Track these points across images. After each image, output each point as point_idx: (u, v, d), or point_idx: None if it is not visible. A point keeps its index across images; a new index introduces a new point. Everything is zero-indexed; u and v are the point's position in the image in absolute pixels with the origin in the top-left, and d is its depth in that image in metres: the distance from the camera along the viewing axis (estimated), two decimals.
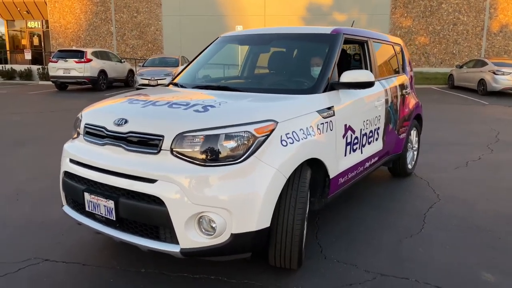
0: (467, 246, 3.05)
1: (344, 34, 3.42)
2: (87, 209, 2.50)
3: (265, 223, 2.29)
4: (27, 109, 10.83)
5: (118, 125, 2.44)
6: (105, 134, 2.50)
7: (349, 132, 3.15)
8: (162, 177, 2.21)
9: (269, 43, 3.75)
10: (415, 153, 4.93)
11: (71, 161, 2.64)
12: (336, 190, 3.09)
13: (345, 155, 3.14)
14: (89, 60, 15.79)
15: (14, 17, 25.21)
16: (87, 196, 2.48)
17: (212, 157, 2.24)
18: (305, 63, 3.47)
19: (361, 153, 3.42)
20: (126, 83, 18.09)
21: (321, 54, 3.25)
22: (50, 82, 16.99)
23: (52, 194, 3.95)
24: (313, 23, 22.04)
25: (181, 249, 2.22)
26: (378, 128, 3.71)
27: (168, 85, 3.64)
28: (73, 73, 15.63)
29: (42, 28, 25.15)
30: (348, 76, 3.03)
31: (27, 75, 20.99)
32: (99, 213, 2.44)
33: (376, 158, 3.79)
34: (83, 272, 2.63)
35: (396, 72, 4.44)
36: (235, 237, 2.21)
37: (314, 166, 2.78)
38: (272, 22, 22.12)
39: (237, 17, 22.15)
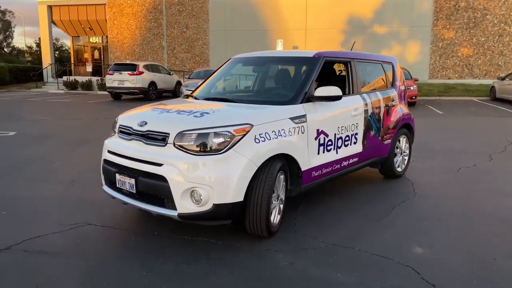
0: (415, 230, 3.73)
1: (325, 57, 4.24)
2: (117, 186, 3.51)
3: (239, 197, 3.16)
4: (86, 115, 12.40)
5: (140, 125, 3.43)
6: (131, 132, 3.50)
7: (322, 135, 3.95)
8: (166, 162, 3.16)
9: (264, 64, 4.66)
10: (406, 158, 5.57)
11: (109, 151, 3.66)
12: (310, 181, 3.90)
13: (318, 154, 3.94)
14: (141, 73, 17.43)
15: (78, 34, 27.91)
16: (117, 176, 3.48)
17: (202, 149, 3.16)
18: (290, 80, 4.33)
19: (336, 153, 4.19)
20: (174, 94, 19.60)
21: (302, 73, 4.10)
22: (107, 92, 18.83)
23: (99, 182, 5.03)
24: (353, 36, 22.57)
25: (179, 213, 3.15)
26: (356, 133, 4.46)
27: (187, 97, 4.63)
28: (127, 84, 17.32)
29: (102, 43, 27.61)
30: (321, 91, 3.86)
31: (87, 86, 23.23)
32: (125, 188, 3.43)
33: (355, 159, 4.53)
34: (114, 233, 3.63)
35: (383, 86, 5.15)
36: (216, 206, 3.10)
37: (290, 160, 3.63)
38: (312, 36, 22.93)
39: (279, 31, 23.18)
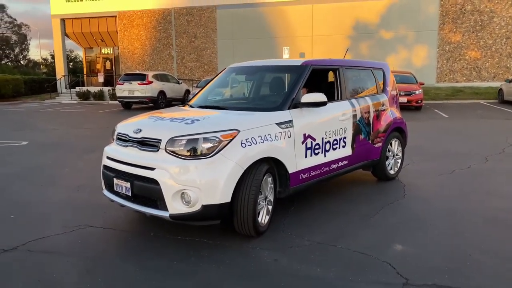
0: (399, 229, 3.89)
1: (312, 65, 4.45)
2: (115, 189, 3.75)
3: (226, 198, 3.37)
4: (96, 124, 12.79)
5: (136, 133, 3.68)
6: (128, 139, 3.75)
7: (309, 140, 4.15)
8: (158, 166, 3.39)
9: (256, 73, 4.89)
10: (398, 161, 5.72)
11: (107, 157, 3.92)
12: (298, 184, 4.09)
13: (306, 157, 4.14)
14: (150, 82, 17.84)
15: (90, 45, 28.61)
16: (115, 180, 3.73)
17: (191, 154, 3.38)
18: (278, 87, 4.55)
19: (325, 156, 4.38)
20: (183, 102, 19.97)
21: (290, 81, 4.32)
22: (118, 102, 19.29)
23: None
24: (360, 41, 22.73)
25: (170, 214, 3.37)
26: (345, 137, 4.65)
27: (185, 105, 4.88)
28: (136, 94, 17.74)
29: (114, 54, 28.24)
30: (307, 97, 4.07)
31: (99, 96, 23.80)
32: (122, 192, 3.67)
33: (345, 162, 4.71)
34: (113, 234, 3.87)
35: (373, 92, 5.33)
36: (204, 207, 3.32)
37: (278, 163, 3.84)
38: (319, 42, 23.14)
39: (286, 38, 23.46)
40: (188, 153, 3.38)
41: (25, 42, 59.77)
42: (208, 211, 3.35)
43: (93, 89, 24.45)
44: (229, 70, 5.11)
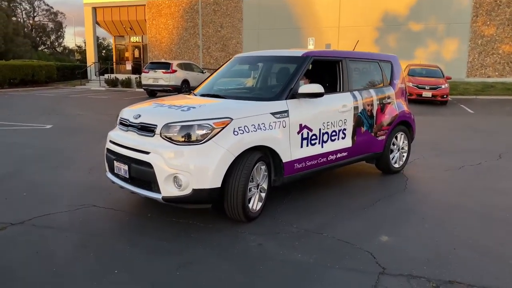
0: (390, 221, 3.92)
1: (313, 56, 4.49)
2: (115, 171, 3.95)
3: (217, 184, 3.50)
4: (119, 111, 13.16)
5: (135, 118, 3.85)
6: (128, 124, 3.93)
7: (305, 130, 4.21)
8: (153, 150, 3.55)
9: (258, 63, 4.96)
10: (404, 155, 5.69)
11: (110, 141, 4.11)
12: (293, 173, 4.17)
13: (301, 147, 4.20)
14: (174, 71, 18.16)
15: (120, 33, 29.27)
16: (115, 163, 3.92)
17: (185, 139, 3.52)
18: (278, 77, 4.61)
19: (322, 147, 4.43)
20: None
21: (290, 71, 4.37)
22: (143, 90, 19.74)
23: None
24: (387, 33, 22.27)
25: (163, 196, 3.53)
26: (345, 129, 4.67)
27: (190, 93, 5.02)
28: (161, 82, 18.11)
29: (142, 42, 28.80)
30: (304, 88, 4.12)
31: (127, 83, 24.39)
32: (121, 174, 3.86)
33: (344, 153, 4.74)
34: (113, 214, 4.08)
35: (379, 84, 5.30)
36: (195, 191, 3.46)
37: (273, 152, 3.93)
38: (346, 34, 22.82)
39: (312, 29, 23.26)
40: (182, 139, 3.52)
41: (61, 30, 61.72)
42: (199, 195, 3.48)
43: (121, 76, 25.08)
44: (235, 59, 5.21)
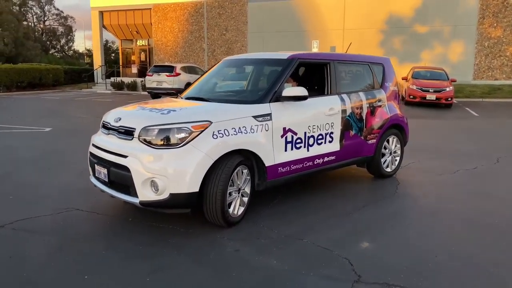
0: (374, 226, 3.83)
1: (299, 59, 4.43)
2: (96, 175, 3.93)
3: (194, 188, 3.45)
4: None
5: (116, 121, 3.82)
6: (109, 127, 3.90)
7: (289, 133, 4.15)
8: (130, 154, 3.52)
9: (244, 66, 4.91)
10: (397, 158, 5.59)
11: (93, 145, 4.09)
12: (276, 177, 4.11)
13: (286, 151, 4.14)
14: (178, 74, 18.22)
15: (126, 37, 29.45)
16: (96, 167, 3.90)
17: (162, 143, 3.48)
18: (263, 80, 4.56)
19: (307, 151, 4.36)
20: None
21: (275, 74, 4.32)
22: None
23: None
24: (392, 35, 22.10)
25: (140, 201, 3.49)
26: (332, 132, 4.60)
27: (177, 96, 4.99)
28: (164, 85, 18.17)
29: (148, 45, 28.95)
30: (288, 91, 4.07)
31: (132, 86, 24.52)
32: (101, 178, 3.84)
33: (332, 157, 4.67)
34: (95, 217, 4.05)
35: (369, 87, 5.21)
36: (172, 195, 3.41)
37: (256, 156, 3.87)
38: (350, 36, 22.68)
39: (317, 32, 23.17)
40: (159, 142, 3.48)
41: (71, 34, 62.42)
42: (176, 199, 3.44)
43: (127, 79, 25.23)
44: (223, 63, 5.17)
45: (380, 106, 5.23)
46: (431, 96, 15.34)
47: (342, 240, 3.52)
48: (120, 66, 29.83)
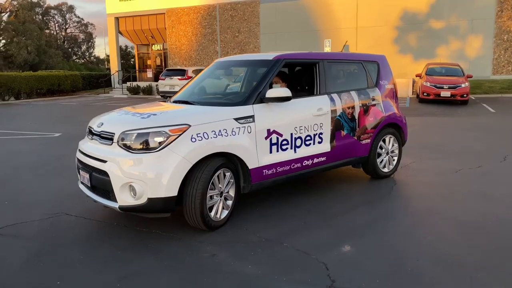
0: (360, 229, 3.72)
1: (285, 59, 4.36)
2: (81, 180, 3.96)
3: (172, 192, 3.43)
4: None
5: (98, 126, 3.85)
6: (93, 132, 3.93)
7: (274, 135, 4.08)
8: (109, 159, 3.52)
9: (232, 67, 4.87)
10: (395, 158, 5.44)
11: (79, 150, 4.13)
12: (262, 179, 4.05)
13: (271, 153, 4.07)
14: (190, 78, 18.31)
15: (142, 42, 29.87)
16: (81, 172, 3.93)
17: (140, 147, 3.47)
18: (249, 82, 4.50)
19: (295, 152, 4.28)
20: None
21: (260, 75, 4.26)
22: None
23: None
24: (407, 32, 21.68)
25: (119, 205, 3.50)
26: (321, 133, 4.50)
27: (166, 100, 4.99)
28: (177, 89, 18.25)
29: (163, 50, 29.28)
30: (271, 92, 4.00)
31: (148, 91, 24.83)
32: (85, 183, 3.86)
33: (322, 158, 4.57)
34: (81, 222, 4.07)
35: (362, 86, 5.09)
36: (150, 200, 3.40)
37: (239, 158, 3.83)
38: (364, 34, 22.38)
39: (329, 31, 22.94)
40: (138, 147, 3.48)
41: (91, 40, 63.81)
42: (154, 204, 3.42)
43: (142, 84, 25.56)
44: (215, 64, 5.14)
45: (374, 105, 5.10)
46: (445, 93, 14.96)
47: (323, 244, 3.43)
48: (136, 71, 30.27)
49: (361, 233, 3.65)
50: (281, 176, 4.23)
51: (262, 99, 4.04)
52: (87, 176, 3.78)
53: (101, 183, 3.62)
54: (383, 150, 5.29)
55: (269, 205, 4.39)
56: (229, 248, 3.39)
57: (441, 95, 14.97)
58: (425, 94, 15.36)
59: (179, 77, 18.32)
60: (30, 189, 5.24)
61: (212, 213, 3.68)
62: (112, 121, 3.85)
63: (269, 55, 4.47)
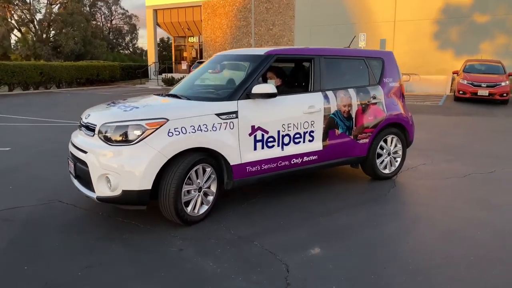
0: (341, 232, 3.61)
1: (277, 55, 4.27)
2: (69, 169, 4.08)
3: (146, 186, 3.46)
4: None
5: (86, 118, 3.94)
6: (81, 123, 4.03)
7: (259, 132, 4.02)
8: (89, 150, 3.61)
9: (226, 62, 4.82)
10: (398, 159, 5.21)
11: (70, 141, 4.26)
12: (244, 176, 4.00)
13: (255, 149, 4.02)
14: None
15: (179, 34, 30.40)
16: (69, 161, 4.05)
17: (118, 140, 3.53)
18: (237, 77, 4.44)
19: (282, 149, 4.20)
20: None
21: (249, 71, 4.20)
22: None
23: None
24: (449, 26, 20.67)
25: (97, 196, 3.58)
26: (312, 131, 4.38)
27: (161, 94, 5.02)
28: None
29: (199, 42, 29.64)
30: (257, 88, 3.94)
31: None
32: (72, 172, 3.98)
33: (314, 157, 4.45)
34: (71, 210, 4.21)
35: (363, 83, 4.89)
36: (124, 192, 3.45)
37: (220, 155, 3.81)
38: (402, 28, 21.57)
39: (365, 24, 22.29)
40: (115, 139, 3.53)
41: (134, 32, 65.68)
42: (128, 196, 3.47)
43: (177, 75, 26.05)
44: (214, 58, 5.14)
45: (375, 103, 4.90)
46: (483, 92, 14.17)
47: (294, 244, 3.35)
48: (173, 63, 30.85)
49: (338, 235, 3.53)
50: (267, 173, 4.16)
51: (248, 95, 3.98)
52: (72, 165, 3.89)
53: (82, 173, 3.71)
54: (384, 150, 5.08)
55: (254, 202, 4.35)
56: (198, 244, 3.38)
57: (478, 94, 14.20)
58: (461, 92, 14.62)
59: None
60: (40, 175, 5.47)
61: (189, 208, 3.69)
62: (97, 113, 3.94)
63: (262, 50, 4.39)
